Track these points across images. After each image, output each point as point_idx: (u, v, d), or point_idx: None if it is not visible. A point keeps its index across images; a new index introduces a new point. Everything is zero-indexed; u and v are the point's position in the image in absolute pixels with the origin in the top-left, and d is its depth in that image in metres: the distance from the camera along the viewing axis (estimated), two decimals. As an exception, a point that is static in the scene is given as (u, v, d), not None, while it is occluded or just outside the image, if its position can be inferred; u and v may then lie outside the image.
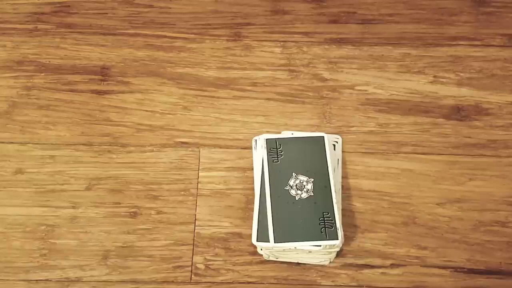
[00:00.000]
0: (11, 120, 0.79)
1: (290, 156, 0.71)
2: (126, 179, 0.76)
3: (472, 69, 0.83)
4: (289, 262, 0.71)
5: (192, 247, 0.72)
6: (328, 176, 0.69)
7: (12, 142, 0.78)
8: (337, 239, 0.66)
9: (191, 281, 0.70)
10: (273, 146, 0.71)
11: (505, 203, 0.74)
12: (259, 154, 0.72)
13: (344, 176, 0.76)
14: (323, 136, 0.72)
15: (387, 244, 0.72)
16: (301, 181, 0.69)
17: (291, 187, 0.69)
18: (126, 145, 0.78)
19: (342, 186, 0.75)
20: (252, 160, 0.75)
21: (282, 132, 0.77)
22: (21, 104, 0.80)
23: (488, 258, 0.72)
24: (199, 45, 0.84)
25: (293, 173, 0.70)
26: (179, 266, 0.71)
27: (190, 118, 0.80)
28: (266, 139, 0.72)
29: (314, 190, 0.69)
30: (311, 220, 0.67)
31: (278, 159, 0.71)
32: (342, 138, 0.78)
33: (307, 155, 0.71)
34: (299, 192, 0.68)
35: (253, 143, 0.75)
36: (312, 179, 0.69)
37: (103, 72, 0.82)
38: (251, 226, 0.69)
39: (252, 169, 0.74)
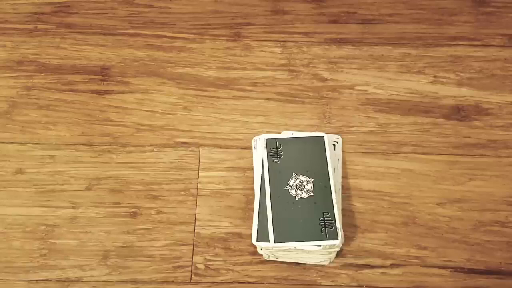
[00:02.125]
0: (11, 120, 0.79)
1: (290, 156, 0.71)
2: (126, 179, 0.76)
3: (472, 69, 0.83)
4: (289, 262, 0.71)
5: (192, 247, 0.72)
6: (328, 176, 0.69)
7: (12, 142, 0.78)
8: (337, 239, 0.66)
9: (191, 281, 0.70)
10: (273, 146, 0.71)
11: (505, 203, 0.74)
12: (259, 154, 0.72)
13: (344, 176, 0.76)
14: (323, 136, 0.72)
15: (387, 244, 0.72)
16: (301, 181, 0.69)
17: (291, 187, 0.69)
18: (126, 145, 0.78)
19: (342, 186, 0.75)
20: (252, 160, 0.75)
21: (282, 132, 0.77)
22: (21, 104, 0.80)
23: (488, 258, 0.72)
24: (199, 45, 0.84)
25: (293, 173, 0.70)
26: (179, 266, 0.71)
27: (190, 118, 0.80)
28: (266, 139, 0.72)
29: (314, 190, 0.69)
30: (311, 220, 0.67)
31: (278, 159, 0.71)
32: (342, 138, 0.78)
33: (307, 155, 0.71)
34: (299, 192, 0.69)
35: (253, 143, 0.75)
36: (312, 179, 0.69)
37: (103, 72, 0.82)
38: (251, 226, 0.69)
39: (252, 169, 0.74)
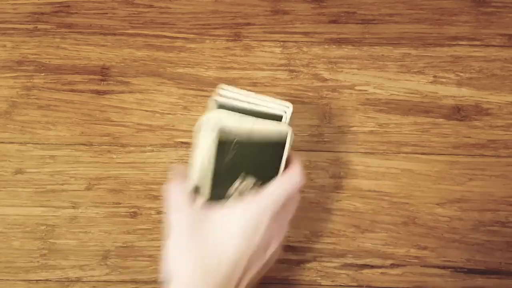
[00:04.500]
0: (11, 120, 0.79)
1: (242, 154, 0.56)
2: (126, 179, 0.76)
3: (472, 69, 0.83)
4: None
5: (192, 247, 0.72)
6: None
7: (12, 142, 0.78)
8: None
9: (191, 281, 0.70)
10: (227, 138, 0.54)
11: (505, 203, 0.75)
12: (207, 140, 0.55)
13: (344, 176, 0.76)
14: (287, 132, 0.58)
15: (387, 244, 0.73)
16: (247, 184, 0.57)
17: (235, 189, 0.57)
18: (126, 145, 0.78)
19: (342, 186, 0.75)
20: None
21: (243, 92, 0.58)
22: (21, 104, 0.80)
23: (488, 258, 0.72)
24: (199, 45, 0.84)
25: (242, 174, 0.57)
26: (179, 266, 0.71)
27: (190, 118, 0.80)
28: (220, 129, 0.54)
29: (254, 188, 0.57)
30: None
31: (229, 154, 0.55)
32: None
33: (262, 157, 0.57)
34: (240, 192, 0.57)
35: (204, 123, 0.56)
36: (260, 182, 0.57)
37: (103, 72, 0.83)
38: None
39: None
